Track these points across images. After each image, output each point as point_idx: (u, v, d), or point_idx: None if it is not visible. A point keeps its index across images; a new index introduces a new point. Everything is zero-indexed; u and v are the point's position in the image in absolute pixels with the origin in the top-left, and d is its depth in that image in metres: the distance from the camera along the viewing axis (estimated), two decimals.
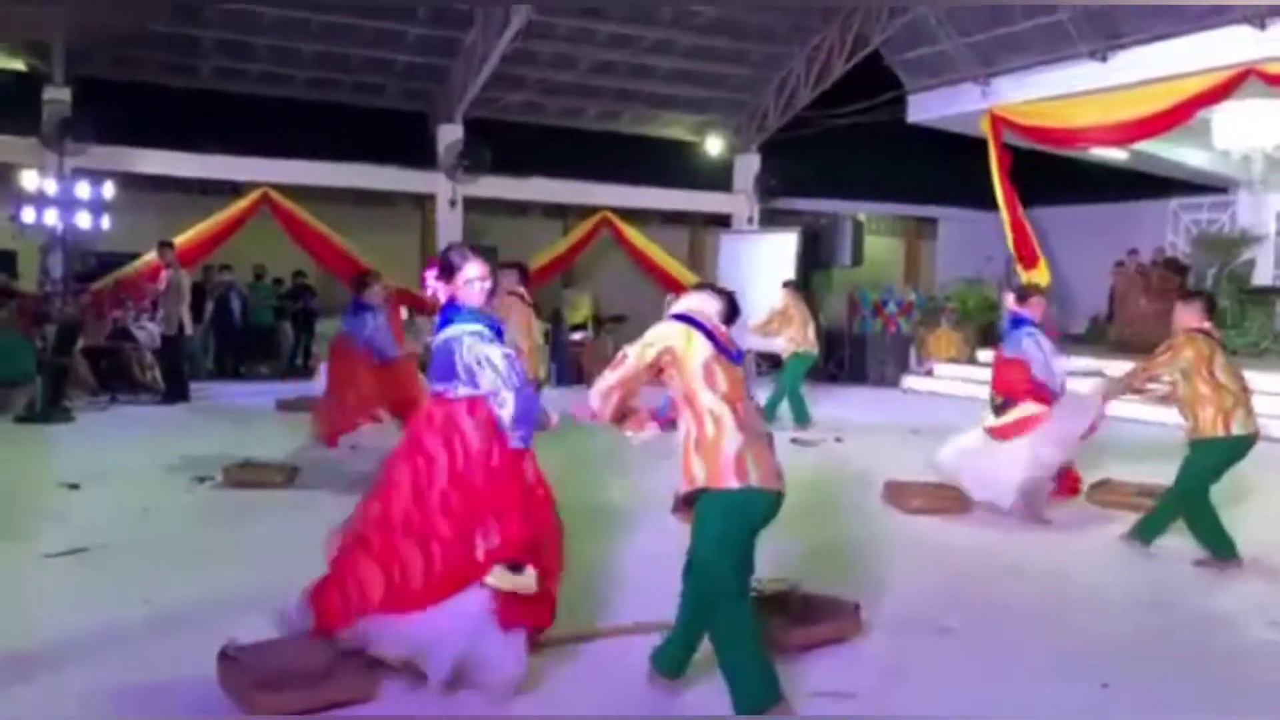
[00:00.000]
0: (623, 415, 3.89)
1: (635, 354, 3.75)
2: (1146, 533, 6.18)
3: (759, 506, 3.61)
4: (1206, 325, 6.00)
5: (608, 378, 3.81)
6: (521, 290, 7.43)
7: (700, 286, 4.00)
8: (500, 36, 14.45)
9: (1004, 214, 14.68)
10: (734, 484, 3.54)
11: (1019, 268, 14.64)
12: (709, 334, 3.69)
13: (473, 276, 3.97)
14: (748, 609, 3.64)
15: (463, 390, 3.88)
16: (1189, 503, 6.01)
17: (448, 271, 4.00)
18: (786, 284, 11.80)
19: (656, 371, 3.74)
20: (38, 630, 4.41)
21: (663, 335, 3.73)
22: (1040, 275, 14.22)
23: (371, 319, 7.80)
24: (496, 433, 3.84)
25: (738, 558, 3.61)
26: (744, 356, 3.83)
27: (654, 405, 4.12)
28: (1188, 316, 6.05)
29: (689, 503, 3.70)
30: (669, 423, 3.84)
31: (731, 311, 3.83)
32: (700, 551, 3.63)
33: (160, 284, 12.58)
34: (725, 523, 3.59)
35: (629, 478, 7.39)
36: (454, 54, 15.84)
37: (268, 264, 16.45)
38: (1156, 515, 6.19)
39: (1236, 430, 5.81)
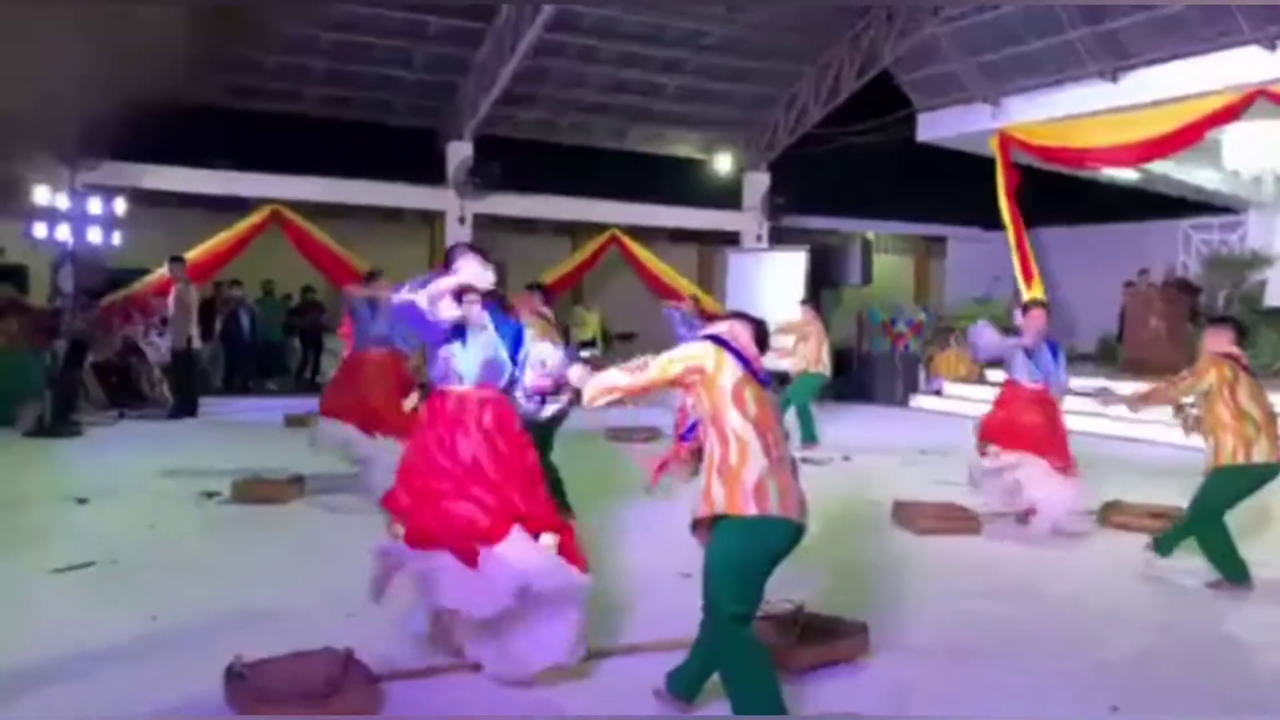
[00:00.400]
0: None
1: (658, 366, 3.69)
2: (1164, 546, 6.14)
3: (776, 535, 3.56)
4: (1235, 351, 5.93)
5: (617, 378, 3.75)
6: (546, 311, 7.49)
7: (732, 314, 3.95)
8: (511, 54, 14.54)
9: (1010, 233, 14.66)
10: (752, 511, 3.49)
11: (1023, 287, 14.63)
12: (740, 357, 3.65)
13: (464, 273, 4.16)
14: (750, 633, 3.61)
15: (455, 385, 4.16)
16: (1203, 526, 5.96)
17: (446, 266, 4.21)
18: (805, 302, 11.83)
19: (684, 387, 3.71)
20: (44, 645, 4.40)
21: (692, 354, 3.68)
22: (1035, 292, 14.19)
23: (375, 312, 7.84)
24: (496, 421, 4.11)
25: (747, 584, 3.57)
26: (771, 381, 3.80)
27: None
28: (1216, 341, 5.99)
29: (708, 526, 3.66)
30: (696, 450, 3.78)
31: (763, 339, 3.81)
32: (710, 575, 3.61)
33: (169, 300, 12.64)
34: (740, 549, 3.54)
35: (654, 493, 7.27)
36: (464, 72, 15.93)
37: (277, 280, 16.51)
38: (1174, 533, 6.16)
39: (1258, 459, 5.73)
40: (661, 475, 3.86)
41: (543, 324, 7.35)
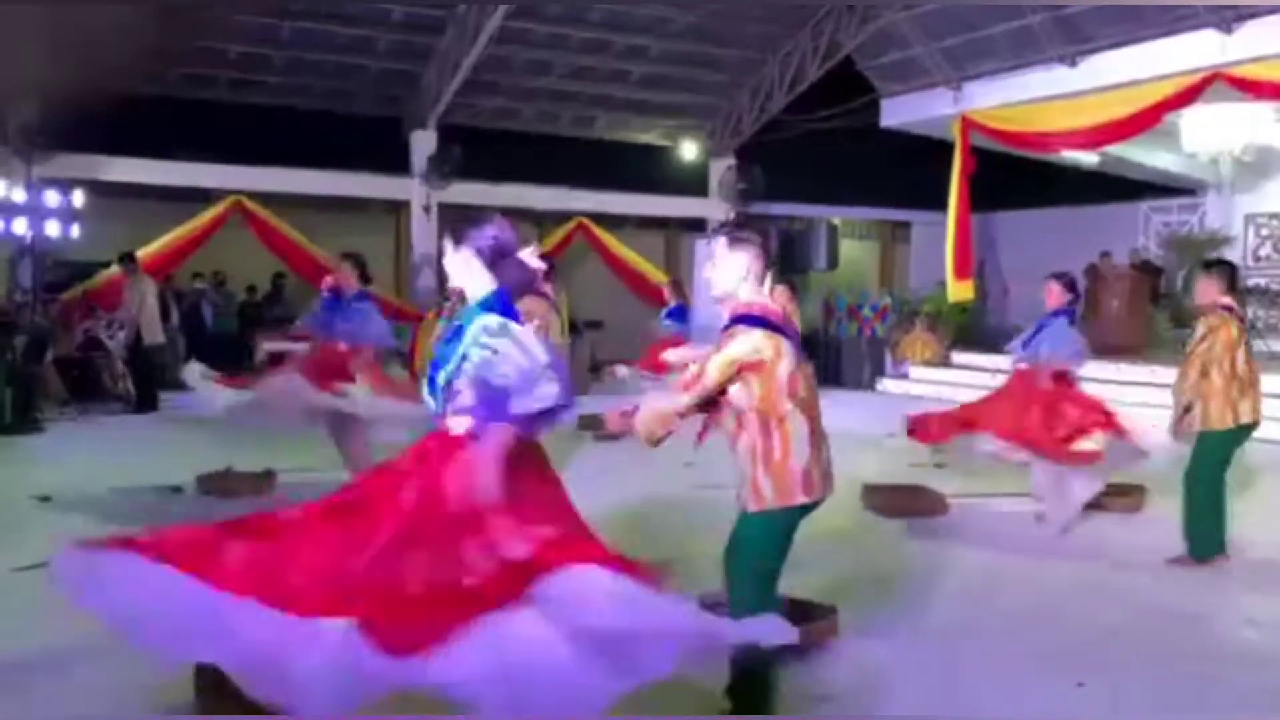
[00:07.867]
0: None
1: (718, 369, 3.44)
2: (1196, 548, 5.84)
3: (810, 510, 3.64)
4: (1232, 302, 5.58)
5: (677, 402, 3.52)
6: (547, 290, 6.87)
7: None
8: (474, 42, 14.43)
9: (951, 219, 14.66)
10: (801, 500, 3.54)
11: (951, 277, 14.57)
12: (790, 339, 3.53)
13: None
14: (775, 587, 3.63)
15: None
16: (1202, 491, 5.74)
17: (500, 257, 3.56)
18: (780, 283, 11.77)
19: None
20: (9, 644, 4.35)
21: (753, 347, 3.43)
22: (965, 290, 14.18)
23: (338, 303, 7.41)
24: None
25: (781, 551, 3.63)
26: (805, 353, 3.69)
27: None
28: (1213, 290, 5.60)
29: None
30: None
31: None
32: (747, 552, 3.59)
33: (126, 300, 12.40)
34: (782, 531, 3.59)
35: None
36: (427, 60, 15.80)
37: (245, 271, 16.31)
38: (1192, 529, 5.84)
39: (1245, 419, 5.57)
40: (705, 438, 3.77)
41: (543, 306, 6.62)
